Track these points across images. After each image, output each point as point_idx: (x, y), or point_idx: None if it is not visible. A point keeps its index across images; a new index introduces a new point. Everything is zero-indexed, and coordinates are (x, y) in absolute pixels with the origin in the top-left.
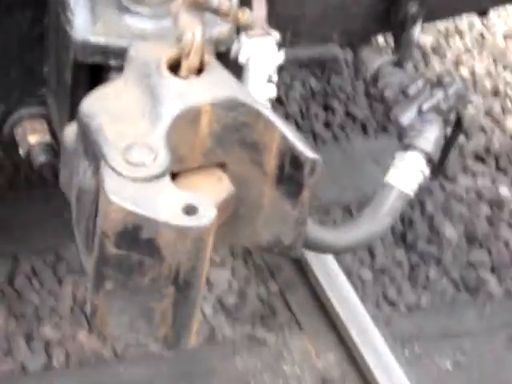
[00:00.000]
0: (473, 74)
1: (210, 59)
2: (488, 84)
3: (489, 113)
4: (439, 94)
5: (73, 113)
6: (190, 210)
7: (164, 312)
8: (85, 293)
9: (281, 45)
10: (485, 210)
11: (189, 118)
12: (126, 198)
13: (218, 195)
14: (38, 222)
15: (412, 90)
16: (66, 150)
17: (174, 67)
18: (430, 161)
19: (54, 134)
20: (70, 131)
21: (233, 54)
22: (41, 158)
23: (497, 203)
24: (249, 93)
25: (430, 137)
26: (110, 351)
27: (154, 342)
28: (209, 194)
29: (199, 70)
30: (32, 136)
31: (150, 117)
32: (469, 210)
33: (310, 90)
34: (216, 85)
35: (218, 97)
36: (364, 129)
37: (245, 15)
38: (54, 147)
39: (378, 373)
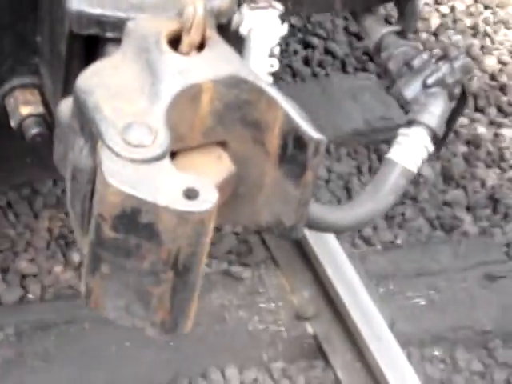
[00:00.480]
0: (453, 11)
1: (212, 34)
2: (468, 23)
3: (468, 52)
4: (445, 67)
5: (67, 85)
6: (190, 194)
7: (162, 297)
8: (61, 227)
9: (283, 15)
10: (462, 149)
11: (189, 96)
12: (124, 181)
13: (218, 175)
14: (14, 157)
15: (417, 63)
16: (60, 125)
17: (174, 42)
18: (434, 136)
19: (47, 105)
20: (65, 106)
21: (234, 25)
22: (33, 130)
23: (474, 143)
24: (251, 69)
25: (435, 111)
26: None
27: (150, 327)
28: (209, 173)
29: (200, 46)
30: (24, 107)
31: (149, 94)
32: (446, 149)
33: (289, 27)
34: (218, 61)
35: (220, 74)
36: (343, 66)
37: None
38: (47, 118)
39: (352, 310)
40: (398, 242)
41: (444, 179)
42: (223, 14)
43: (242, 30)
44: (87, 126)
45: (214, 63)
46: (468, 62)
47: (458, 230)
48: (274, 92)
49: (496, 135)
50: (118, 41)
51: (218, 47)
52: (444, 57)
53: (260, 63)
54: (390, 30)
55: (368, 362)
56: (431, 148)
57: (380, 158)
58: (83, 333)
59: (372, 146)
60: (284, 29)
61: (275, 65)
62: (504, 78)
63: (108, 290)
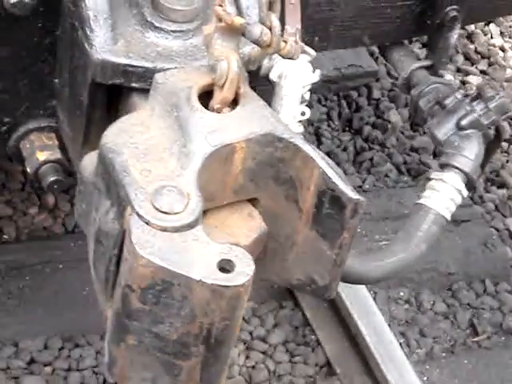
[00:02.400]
0: None
1: (246, 89)
2: None
3: None
4: (479, 108)
5: (88, 134)
6: (226, 266)
7: (191, 370)
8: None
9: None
10: None
11: (222, 157)
12: (155, 253)
13: (250, 234)
14: None
15: (450, 102)
16: (83, 183)
17: (205, 96)
18: (468, 181)
19: (64, 149)
20: (89, 162)
21: (263, 71)
22: (50, 178)
23: None
24: (287, 126)
25: (470, 155)
26: (60, 227)
27: None
28: (239, 232)
29: (233, 101)
30: (40, 153)
31: (180, 155)
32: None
33: None
34: (252, 119)
35: (254, 132)
36: None
37: (287, 46)
38: (64, 164)
39: None
40: (366, 186)
41: (411, 125)
42: (253, 60)
43: (272, 76)
44: (114, 188)
45: (248, 121)
46: (504, 101)
47: (424, 175)
48: (310, 150)
49: (463, 83)
50: (143, 91)
51: (252, 103)
52: (479, 96)
53: (291, 111)
54: (421, 64)
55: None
56: (465, 193)
57: (350, 105)
58: (57, 273)
59: (342, 92)
60: (316, 75)
61: (307, 112)
62: (471, 27)
63: (134, 361)
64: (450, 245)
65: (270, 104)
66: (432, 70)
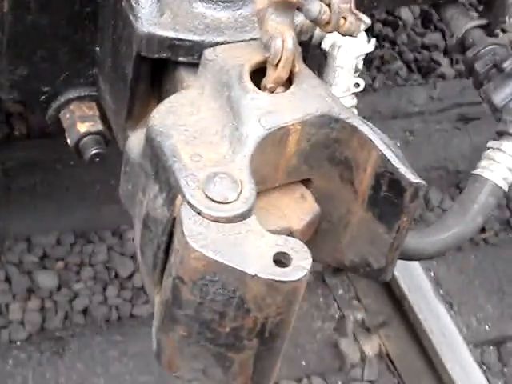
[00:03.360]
0: None
1: (301, 67)
2: None
3: None
4: None
5: (132, 107)
6: (282, 259)
7: (244, 363)
8: None
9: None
10: None
11: (276, 139)
12: (208, 245)
13: (302, 216)
14: None
15: (508, 65)
16: (129, 163)
17: (257, 74)
18: None
19: (105, 119)
20: (135, 143)
21: (315, 39)
22: (92, 150)
23: None
24: (343, 105)
25: None
26: None
27: None
28: (292, 214)
29: (287, 80)
30: (81, 124)
31: (232, 139)
32: None
33: None
34: (307, 99)
35: (310, 113)
36: None
37: (346, 23)
38: (106, 135)
39: None
40: (376, 84)
41: (423, 22)
42: (306, 31)
43: (325, 46)
44: (163, 173)
45: (303, 101)
46: None
47: (434, 72)
48: (368, 131)
49: None
50: (190, 64)
51: (307, 82)
52: None
53: (344, 83)
54: (476, 24)
55: None
56: None
57: None
58: (69, 170)
59: None
60: (371, 45)
61: (361, 84)
62: None
63: (184, 351)
64: (458, 142)
65: (320, 74)
66: (488, 29)
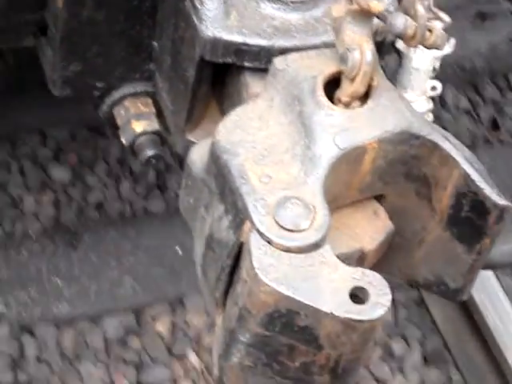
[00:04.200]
0: None
1: (379, 80)
2: None
3: None
4: None
5: (192, 110)
6: (359, 294)
7: None
8: None
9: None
10: None
11: (351, 158)
12: (279, 279)
13: (376, 235)
14: None
15: None
16: (191, 177)
17: (331, 86)
18: None
19: (162, 116)
20: (198, 156)
21: (388, 38)
22: (149, 152)
23: None
24: (424, 119)
25: None
26: None
27: None
28: (365, 234)
29: (364, 94)
30: (137, 123)
31: (303, 159)
32: None
33: None
34: (385, 114)
35: (388, 130)
36: None
37: (432, 36)
38: (163, 135)
39: None
40: None
41: None
42: (381, 32)
43: (400, 46)
44: (230, 194)
45: (381, 117)
46: None
47: None
48: (451, 148)
49: None
50: (256, 69)
51: (385, 95)
52: None
53: (420, 86)
54: None
55: None
56: None
57: None
58: None
59: None
60: (451, 45)
61: (438, 87)
62: None
63: (249, 381)
64: (475, 40)
65: (394, 76)
66: None
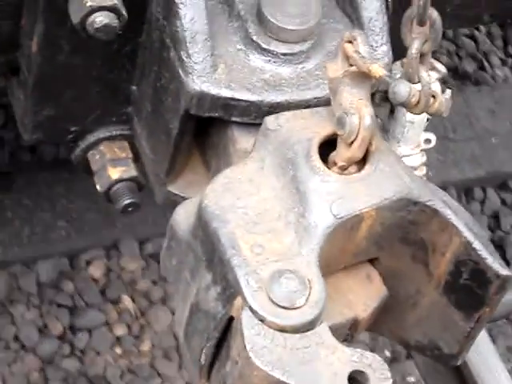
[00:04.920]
0: None
1: (377, 144)
2: None
3: None
4: None
5: (174, 161)
6: (358, 378)
7: None
8: None
9: (445, 81)
10: None
11: (347, 227)
12: (274, 363)
13: (368, 304)
14: None
15: None
16: (175, 239)
17: (325, 148)
18: None
19: (138, 159)
20: (183, 217)
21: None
22: (125, 200)
23: None
24: (424, 184)
25: None
26: None
27: None
28: (358, 300)
29: (362, 158)
30: (113, 169)
31: (298, 228)
32: None
33: None
34: (383, 181)
35: (387, 197)
36: None
37: (436, 103)
38: (140, 181)
39: None
40: None
41: None
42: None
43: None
44: (219, 264)
45: (379, 184)
46: None
47: None
48: (452, 216)
49: None
50: (243, 124)
51: (383, 160)
52: None
53: (414, 139)
54: None
55: None
56: None
57: None
58: None
59: None
60: (447, 95)
61: (432, 140)
62: None
63: None
64: None
65: (385, 127)
66: None
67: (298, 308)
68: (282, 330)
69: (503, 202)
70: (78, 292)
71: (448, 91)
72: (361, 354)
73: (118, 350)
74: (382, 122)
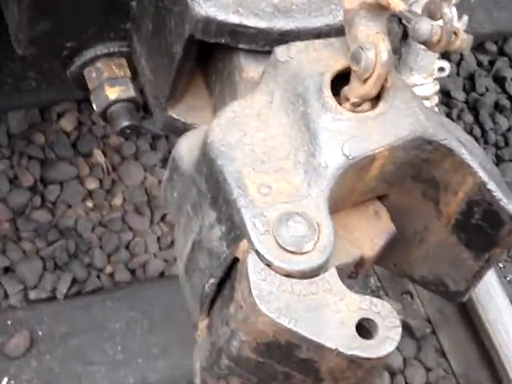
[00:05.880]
0: None
1: (393, 81)
2: None
3: None
4: None
5: (175, 86)
6: (366, 325)
7: None
8: None
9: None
10: None
11: (358, 167)
12: (280, 309)
13: (375, 241)
14: None
15: None
16: (177, 172)
17: (338, 82)
18: None
19: (136, 77)
20: (186, 150)
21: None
22: (123, 122)
23: None
24: (439, 121)
25: None
26: None
27: None
28: (365, 237)
29: (376, 95)
30: (111, 89)
31: (307, 168)
32: None
33: None
34: (398, 119)
35: (400, 136)
36: None
37: (458, 40)
38: (138, 102)
39: None
40: None
41: None
42: None
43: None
44: (224, 204)
45: (393, 123)
46: None
47: None
48: (467, 155)
49: None
50: (250, 51)
51: (398, 97)
52: None
53: (428, 67)
54: None
55: None
56: None
57: None
58: None
59: None
60: (463, 22)
61: (446, 68)
62: None
63: None
64: None
65: (399, 55)
66: None
67: (305, 253)
68: (289, 275)
69: (479, 63)
70: (49, 144)
71: (464, 18)
72: (370, 302)
73: (90, 204)
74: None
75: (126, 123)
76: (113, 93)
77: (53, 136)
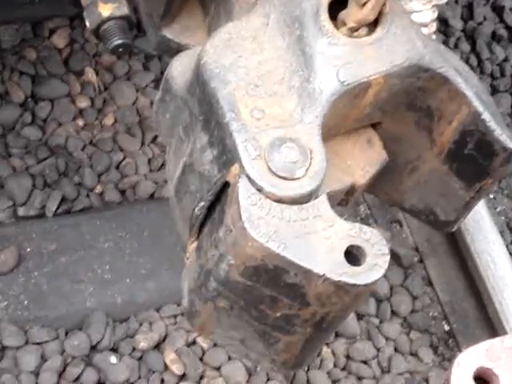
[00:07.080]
0: None
1: (390, 6)
2: None
3: None
4: None
5: (169, 5)
6: (354, 252)
7: (291, 343)
8: None
9: None
10: None
11: (352, 94)
12: (269, 234)
13: (367, 169)
14: None
15: None
16: (170, 92)
17: (336, 6)
18: None
19: None
20: (179, 71)
21: None
22: (116, 40)
23: None
24: (436, 50)
25: None
26: None
27: (268, 362)
28: (357, 164)
29: (374, 21)
30: (104, 6)
31: (301, 93)
32: None
33: None
34: (394, 45)
35: (397, 65)
36: None
37: None
38: (132, 21)
39: None
40: None
41: None
42: None
43: None
44: (217, 127)
45: (390, 49)
46: None
47: None
48: (463, 84)
49: None
50: None
51: (396, 23)
52: None
53: None
54: None
55: None
56: None
57: None
58: None
59: None
60: None
61: None
62: None
63: (222, 321)
64: None
65: None
66: None
67: (297, 179)
68: (280, 201)
69: None
70: (40, 61)
71: None
72: (359, 229)
73: (81, 122)
74: None
75: (118, 41)
76: (106, 10)
77: (44, 52)
